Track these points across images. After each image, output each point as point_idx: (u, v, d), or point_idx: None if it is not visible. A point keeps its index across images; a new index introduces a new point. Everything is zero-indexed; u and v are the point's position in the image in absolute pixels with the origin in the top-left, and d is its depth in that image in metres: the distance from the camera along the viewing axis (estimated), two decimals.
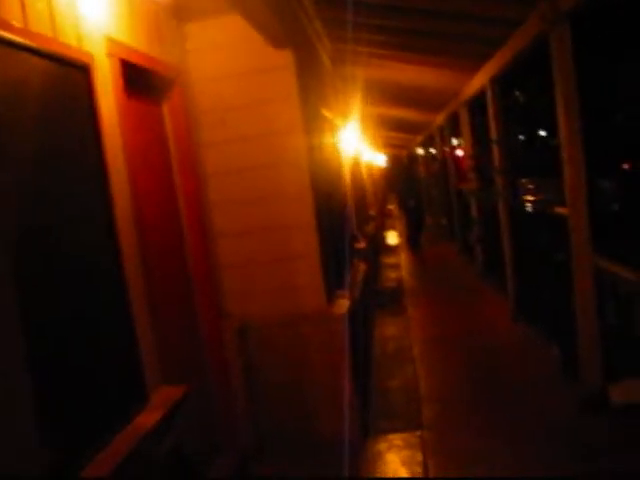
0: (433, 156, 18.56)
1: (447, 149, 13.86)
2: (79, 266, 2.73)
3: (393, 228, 20.01)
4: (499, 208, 7.89)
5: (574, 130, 4.66)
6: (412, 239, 14.37)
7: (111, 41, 3.29)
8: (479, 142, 9.97)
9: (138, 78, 3.76)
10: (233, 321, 4.66)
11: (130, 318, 3.12)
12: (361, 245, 8.15)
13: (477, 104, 9.36)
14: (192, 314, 4.40)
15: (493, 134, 7.62)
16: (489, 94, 7.51)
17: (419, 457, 4.50)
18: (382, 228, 18.22)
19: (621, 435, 4.34)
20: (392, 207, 24.99)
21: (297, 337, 4.64)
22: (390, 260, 14.13)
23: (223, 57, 4.58)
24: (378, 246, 13.84)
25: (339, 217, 6.70)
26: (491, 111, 7.56)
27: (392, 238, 17.95)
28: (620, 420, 4.52)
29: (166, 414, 3.08)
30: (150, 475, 2.85)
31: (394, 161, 26.88)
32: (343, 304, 4.92)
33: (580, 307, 4.90)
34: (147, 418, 3.01)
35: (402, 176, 15.88)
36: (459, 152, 13.16)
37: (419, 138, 21.21)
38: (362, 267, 7.40)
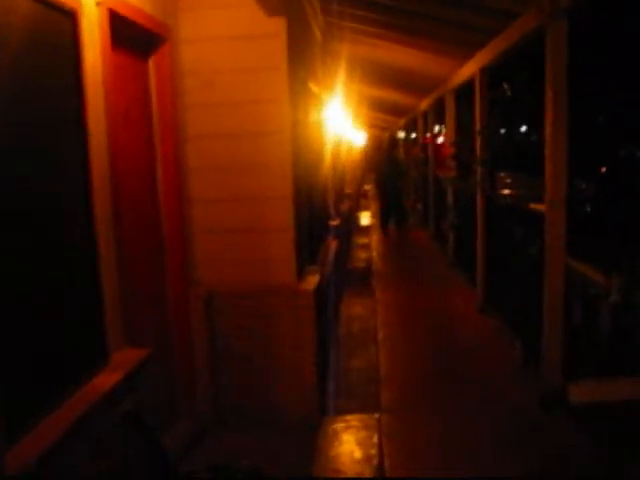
0: (414, 140, 18.50)
1: (429, 135, 13.79)
2: (46, 209, 2.64)
3: (368, 209, 19.98)
4: (477, 198, 7.90)
5: (560, 127, 4.65)
6: (385, 220, 14.75)
7: None
8: (461, 131, 9.95)
9: (126, 31, 3.68)
10: (201, 289, 4.61)
11: (96, 272, 3.05)
12: (335, 223, 8.14)
13: (464, 93, 9.33)
14: (160, 277, 4.34)
15: (477, 124, 7.61)
16: (477, 84, 7.48)
17: (375, 439, 4.51)
18: (357, 208, 18.17)
19: (575, 432, 4.40)
20: (369, 187, 24.90)
21: (265, 309, 4.62)
22: (362, 240, 14.13)
23: (216, 19, 4.48)
24: (351, 225, 13.76)
25: (317, 192, 6.65)
26: (477, 101, 7.55)
27: (366, 219, 17.89)
28: (576, 418, 4.57)
29: (127, 376, 3.03)
30: (105, 436, 2.80)
31: (375, 141, 26.77)
32: (313, 280, 4.89)
33: (548, 304, 4.92)
34: (107, 379, 2.96)
35: (382, 157, 15.64)
36: (440, 139, 13.12)
37: (401, 121, 21.19)
38: (334, 245, 7.38)
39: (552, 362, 4.92)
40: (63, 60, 2.81)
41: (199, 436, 4.45)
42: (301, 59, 5.30)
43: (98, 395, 2.79)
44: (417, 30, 7.00)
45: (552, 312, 4.90)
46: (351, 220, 13.61)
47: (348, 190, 13.09)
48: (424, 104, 14.02)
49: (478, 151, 7.72)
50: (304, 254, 5.08)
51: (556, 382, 4.85)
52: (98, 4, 3.17)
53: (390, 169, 14.92)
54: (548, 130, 4.72)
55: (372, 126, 26.24)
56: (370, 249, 13.00)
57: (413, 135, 20.29)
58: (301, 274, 4.82)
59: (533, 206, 5.83)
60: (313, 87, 6.39)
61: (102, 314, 3.09)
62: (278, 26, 4.41)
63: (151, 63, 4.21)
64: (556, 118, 4.64)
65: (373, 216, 17.79)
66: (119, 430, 2.90)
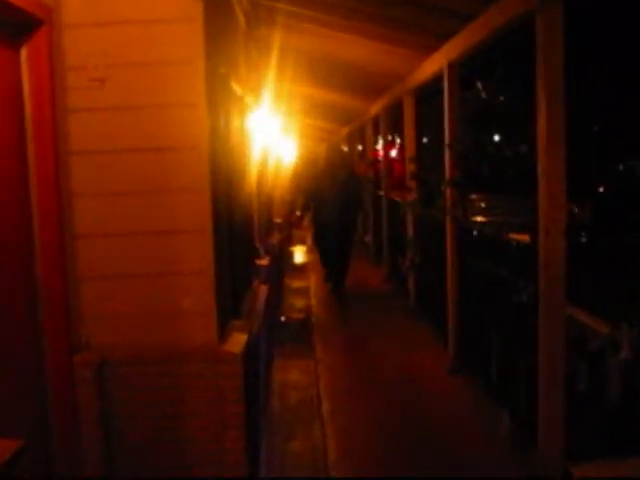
0: (361, 154, 18.53)
1: (380, 147, 13.86)
2: None
3: (302, 242, 19.93)
4: (446, 228, 7.97)
5: (556, 135, 4.69)
6: (333, 270, 13.11)
7: None
8: (423, 143, 10.03)
9: None
10: (91, 354, 4.45)
11: None
12: (264, 262, 8.12)
13: (426, 95, 9.45)
14: (34, 340, 4.16)
15: (447, 134, 7.72)
16: (446, 82, 7.57)
17: None
18: (289, 241, 18.17)
19: None
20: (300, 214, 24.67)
21: (177, 380, 4.50)
22: (298, 283, 14.10)
23: None
24: (283, 264, 13.75)
25: (241, 223, 6.67)
26: (447, 104, 7.64)
27: (301, 254, 17.94)
28: None
29: None
30: None
31: (309, 156, 26.66)
32: (239, 339, 4.84)
33: (544, 366, 4.91)
34: None
35: (320, 178, 13.32)
36: (393, 152, 13.22)
37: (344, 130, 21.45)
38: (264, 291, 7.33)
39: (551, 440, 4.89)
40: None
41: None
42: (222, 51, 5.25)
43: None
44: (368, 15, 7.01)
45: (550, 376, 4.89)
46: (283, 257, 13.55)
47: (277, 218, 12.95)
48: (375, 108, 14.17)
49: (447, 168, 7.79)
50: (227, 305, 5.03)
51: (557, 464, 4.83)
52: None
53: (340, 195, 12.53)
54: (541, 140, 4.75)
55: (307, 137, 26.42)
56: (308, 295, 12.95)
57: (359, 148, 20.40)
58: (223, 332, 4.75)
59: (516, 237, 5.93)
60: (236, 87, 6.38)
61: None
62: (194, 8, 4.34)
63: (24, 53, 4.07)
64: (551, 124, 4.69)
65: (309, 250, 17.76)
66: None
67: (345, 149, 22.59)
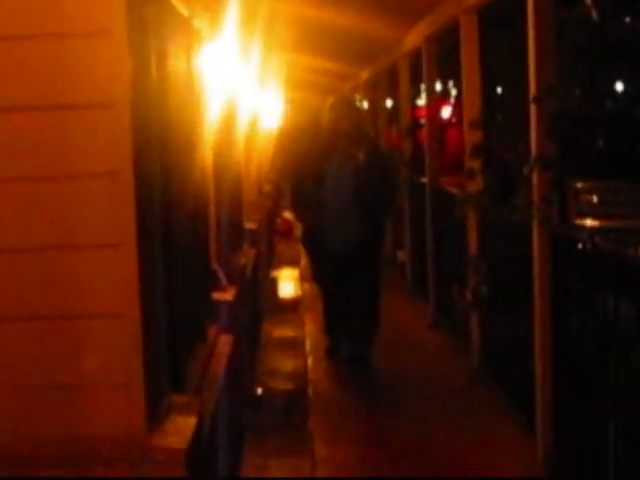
0: (389, 115, 16.93)
1: (423, 103, 12.62)
2: None
3: (292, 262, 17.54)
4: (532, 239, 7.18)
5: None
6: (348, 332, 10.40)
7: None
8: (494, 96, 9.26)
9: None
10: None
11: None
12: (226, 296, 7.39)
13: (500, 15, 8.74)
14: None
15: (533, 81, 6.95)
16: None
17: None
18: (270, 260, 16.35)
19: None
20: (290, 216, 20.41)
21: None
22: (284, 332, 12.47)
23: None
24: (260, 299, 12.45)
25: (186, 232, 6.12)
26: (533, 31, 6.89)
27: (289, 284, 16.20)
28: None
29: None
30: None
31: (306, 117, 25.86)
32: (182, 426, 4.44)
33: None
34: None
35: (319, 151, 10.68)
36: (446, 111, 12.15)
37: (362, 75, 19.62)
38: (225, 344, 6.83)
39: None
40: None
41: None
42: None
43: None
44: None
45: None
46: (259, 288, 12.17)
47: (250, 223, 10.87)
48: (414, 38, 12.83)
49: (534, 139, 7.03)
50: (161, 369, 4.64)
51: None
52: None
53: (356, 187, 10.02)
54: None
55: (301, 86, 24.36)
56: (301, 350, 11.38)
57: (388, 104, 18.52)
58: (156, 414, 4.30)
59: None
60: (179, 3, 6.03)
61: None
62: None
63: None
64: None
65: (304, 277, 15.56)
66: None
67: (363, 106, 20.60)
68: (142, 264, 3.96)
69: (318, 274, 10.96)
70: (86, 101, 3.87)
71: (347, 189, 9.93)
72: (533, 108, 6.96)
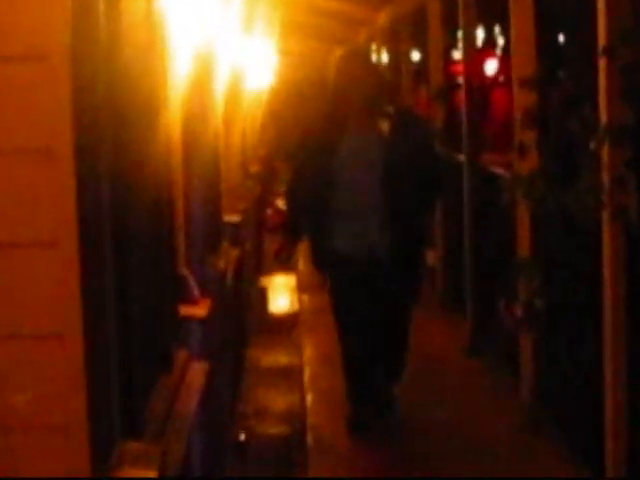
0: (417, 72, 15.66)
1: (460, 57, 11.10)
2: None
3: (286, 266, 16.43)
4: (602, 236, 6.49)
5: None
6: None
7: None
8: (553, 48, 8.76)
9: None
10: None
11: None
12: (198, 311, 6.73)
13: None
14: None
15: (602, 28, 6.37)
16: None
17: None
18: (258, 264, 15.01)
19: None
20: (283, 204, 20.20)
21: None
22: (276, 358, 11.36)
23: None
24: (244, 316, 11.34)
25: (146, 225, 5.43)
26: None
27: (283, 295, 14.94)
28: None
29: None
30: None
31: (307, 75, 25.34)
32: None
33: None
34: None
35: (325, 124, 8.42)
36: (492, 64, 11.39)
37: (380, 19, 16.83)
38: (198, 374, 6.34)
39: None
40: None
41: None
42: None
43: None
44: None
45: None
46: (243, 301, 11.11)
47: (231, 214, 9.65)
48: None
49: (603, 103, 6.42)
50: (111, 407, 4.19)
51: None
52: None
53: (386, 173, 7.84)
54: None
55: (300, 34, 20.96)
56: (298, 383, 10.17)
57: (413, 58, 16.79)
58: (103, 466, 3.77)
59: None
60: None
61: None
62: None
63: None
64: None
65: (302, 286, 14.04)
66: None
67: (382, 60, 18.52)
68: (85, 269, 3.37)
69: (337, 302, 8.28)
70: (9, 53, 3.30)
71: (372, 173, 7.89)
72: (603, 61, 6.14)
